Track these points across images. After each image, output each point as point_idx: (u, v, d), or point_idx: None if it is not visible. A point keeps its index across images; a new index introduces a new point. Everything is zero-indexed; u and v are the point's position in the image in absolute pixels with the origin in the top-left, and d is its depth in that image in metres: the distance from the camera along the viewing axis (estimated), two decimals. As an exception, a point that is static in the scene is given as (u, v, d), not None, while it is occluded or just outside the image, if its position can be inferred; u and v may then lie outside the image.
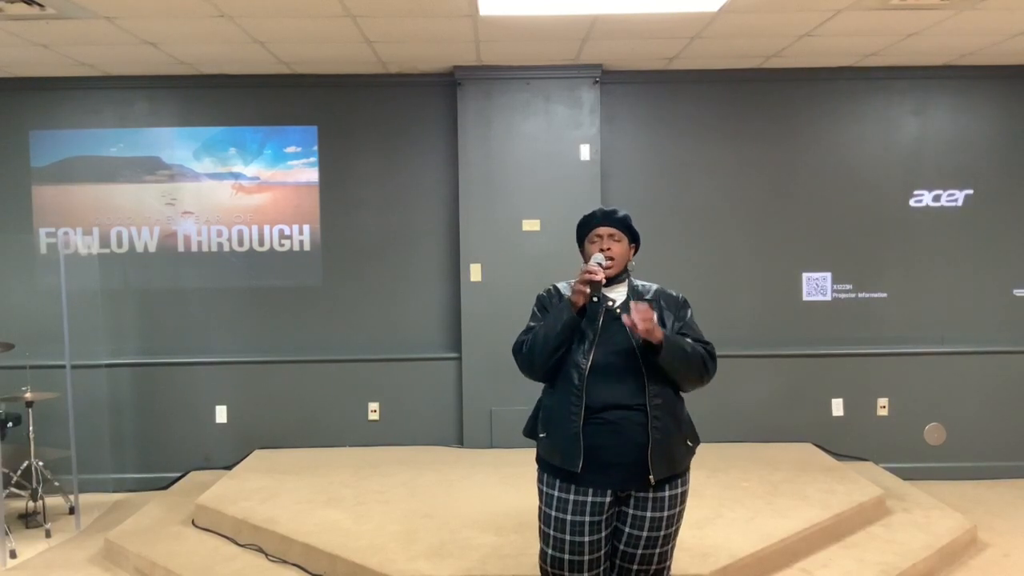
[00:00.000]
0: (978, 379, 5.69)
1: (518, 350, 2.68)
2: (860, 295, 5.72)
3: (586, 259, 2.70)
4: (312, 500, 4.56)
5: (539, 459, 2.69)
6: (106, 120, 5.64)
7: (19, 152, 5.61)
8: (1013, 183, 5.68)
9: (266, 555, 4.10)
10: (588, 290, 2.51)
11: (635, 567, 2.57)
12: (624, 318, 2.50)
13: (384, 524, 4.17)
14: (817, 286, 5.73)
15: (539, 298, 2.78)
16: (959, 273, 5.70)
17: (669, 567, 2.62)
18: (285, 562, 4.01)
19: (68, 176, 5.64)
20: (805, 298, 5.73)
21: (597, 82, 5.50)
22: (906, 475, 5.37)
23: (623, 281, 2.71)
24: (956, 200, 5.70)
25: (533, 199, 5.50)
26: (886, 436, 5.69)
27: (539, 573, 2.70)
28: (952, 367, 5.68)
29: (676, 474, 2.59)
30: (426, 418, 5.73)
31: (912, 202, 5.70)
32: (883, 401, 5.71)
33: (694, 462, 2.71)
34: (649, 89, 5.66)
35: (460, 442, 5.71)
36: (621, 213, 2.72)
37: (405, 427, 5.74)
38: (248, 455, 5.57)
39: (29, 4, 3.99)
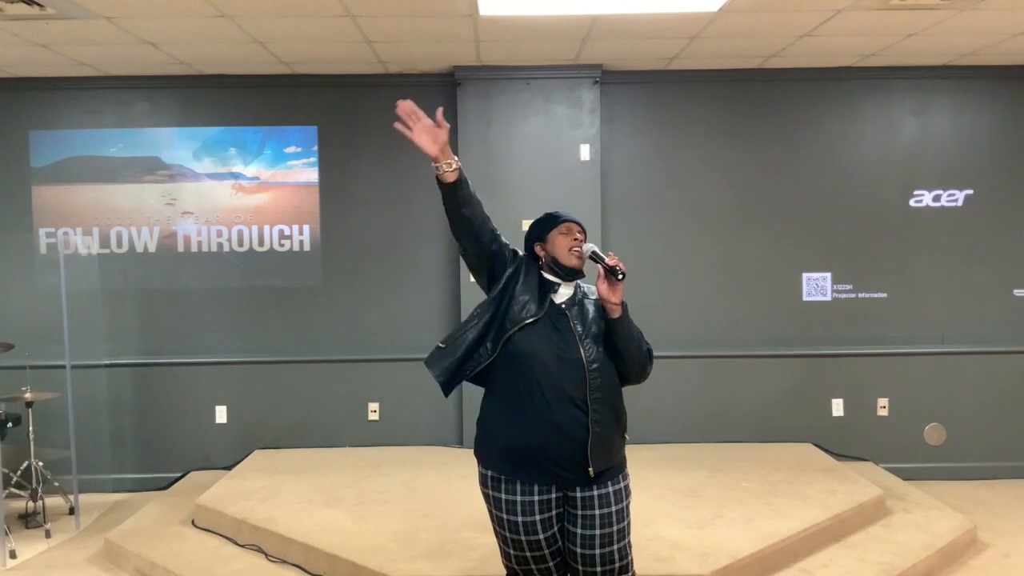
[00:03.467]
0: (978, 379, 5.69)
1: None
2: (860, 295, 5.72)
3: (546, 252, 2.73)
4: (312, 500, 4.56)
5: (481, 463, 2.70)
6: (106, 120, 5.64)
7: (19, 152, 5.61)
8: (1013, 183, 5.68)
9: (266, 555, 4.10)
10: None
11: (599, 569, 2.58)
12: (609, 259, 2.56)
13: (384, 524, 4.17)
14: (817, 286, 5.73)
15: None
16: (959, 273, 5.70)
17: (632, 561, 2.65)
18: (285, 562, 4.02)
19: (68, 176, 5.64)
20: (805, 298, 5.73)
21: (597, 82, 5.50)
22: (906, 475, 5.38)
23: (573, 281, 2.75)
24: (956, 200, 5.70)
25: (533, 199, 5.48)
26: (886, 436, 5.69)
27: (505, 572, 2.74)
28: (952, 367, 5.68)
29: (614, 467, 2.62)
30: (426, 418, 5.73)
31: (912, 202, 5.70)
32: (883, 401, 5.71)
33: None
34: (649, 89, 5.66)
35: (460, 442, 5.70)
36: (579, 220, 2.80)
37: (405, 427, 5.74)
38: (248, 455, 5.58)
39: (29, 4, 3.99)
